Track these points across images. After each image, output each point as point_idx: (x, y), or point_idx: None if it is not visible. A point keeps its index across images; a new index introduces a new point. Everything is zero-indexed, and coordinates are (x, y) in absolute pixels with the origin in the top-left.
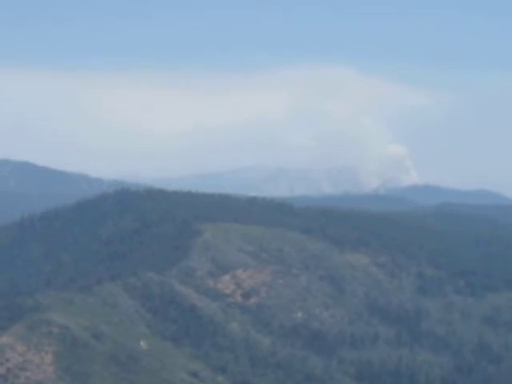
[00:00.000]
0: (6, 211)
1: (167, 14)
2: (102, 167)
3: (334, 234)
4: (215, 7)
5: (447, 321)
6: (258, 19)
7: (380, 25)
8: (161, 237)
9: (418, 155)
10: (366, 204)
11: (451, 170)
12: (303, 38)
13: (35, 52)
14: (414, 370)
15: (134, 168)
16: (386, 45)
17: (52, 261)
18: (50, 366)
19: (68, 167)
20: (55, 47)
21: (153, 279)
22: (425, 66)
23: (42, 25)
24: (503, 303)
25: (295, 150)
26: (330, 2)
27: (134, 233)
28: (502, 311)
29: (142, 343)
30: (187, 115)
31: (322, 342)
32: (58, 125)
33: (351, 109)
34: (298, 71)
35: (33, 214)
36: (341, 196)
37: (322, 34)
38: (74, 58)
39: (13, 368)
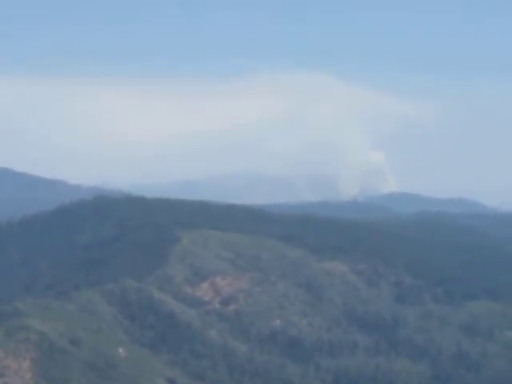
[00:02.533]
0: None
1: (152, 20)
2: (81, 173)
3: (312, 242)
4: (200, 13)
5: (425, 329)
6: (242, 25)
7: (364, 32)
8: (139, 243)
9: (397, 163)
10: (344, 211)
11: (430, 178)
12: (285, 45)
13: (14, 56)
14: (391, 378)
15: (112, 174)
16: (369, 52)
17: (30, 267)
18: (27, 372)
19: (46, 173)
20: (36, 52)
21: (131, 286)
22: (408, 75)
23: (26, 30)
24: (482, 312)
25: (275, 157)
26: (314, 10)
27: (113, 239)
28: (481, 320)
29: (121, 350)
30: (167, 121)
31: (299, 350)
32: (36, 130)
33: (332, 116)
34: (279, 78)
35: (10, 219)
36: (319, 203)
37: (304, 41)
38: (55, 63)
39: None
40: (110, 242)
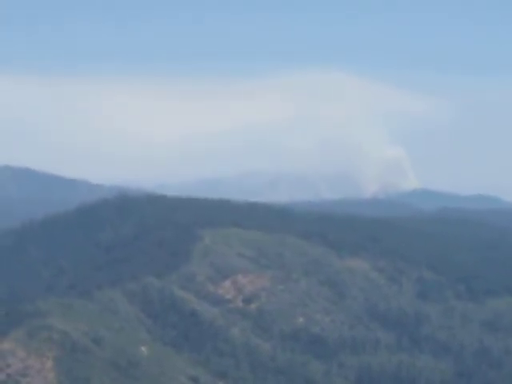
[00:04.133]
0: (6, 217)
1: (166, 19)
2: (103, 173)
3: (333, 239)
4: (214, 12)
5: (447, 326)
6: (257, 25)
7: (379, 30)
8: (161, 242)
9: (417, 160)
10: (365, 209)
11: (450, 174)
12: (302, 44)
13: (35, 57)
14: (414, 374)
15: (134, 173)
16: (386, 50)
17: (52, 266)
18: (50, 371)
19: (68, 173)
20: (56, 52)
21: (153, 284)
22: (424, 72)
23: (42, 30)
24: (503, 308)
25: (294, 155)
26: (329, 8)
27: (134, 238)
28: (503, 316)
29: (143, 348)
30: (186, 121)
31: (322, 347)
32: (59, 130)
33: (350, 114)
34: (296, 77)
35: (33, 219)
36: (340, 201)
37: (321, 39)
38: (74, 63)
39: (13, 374)
40: (132, 240)
